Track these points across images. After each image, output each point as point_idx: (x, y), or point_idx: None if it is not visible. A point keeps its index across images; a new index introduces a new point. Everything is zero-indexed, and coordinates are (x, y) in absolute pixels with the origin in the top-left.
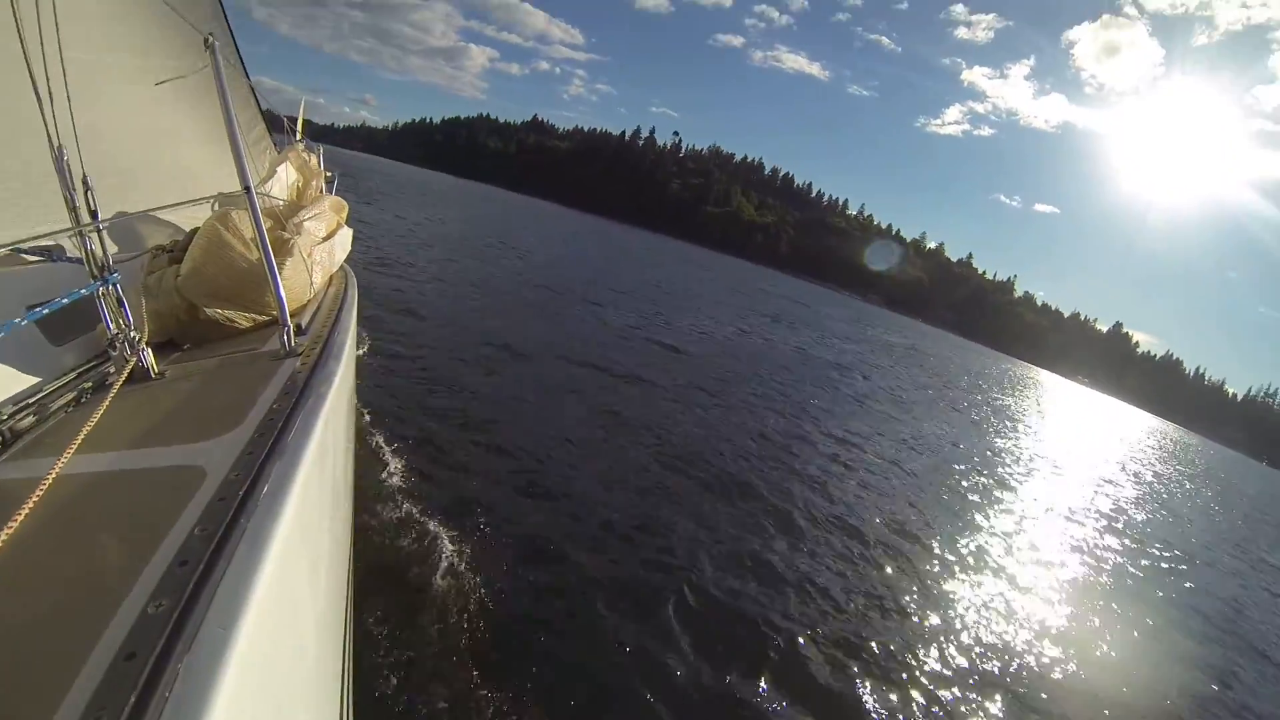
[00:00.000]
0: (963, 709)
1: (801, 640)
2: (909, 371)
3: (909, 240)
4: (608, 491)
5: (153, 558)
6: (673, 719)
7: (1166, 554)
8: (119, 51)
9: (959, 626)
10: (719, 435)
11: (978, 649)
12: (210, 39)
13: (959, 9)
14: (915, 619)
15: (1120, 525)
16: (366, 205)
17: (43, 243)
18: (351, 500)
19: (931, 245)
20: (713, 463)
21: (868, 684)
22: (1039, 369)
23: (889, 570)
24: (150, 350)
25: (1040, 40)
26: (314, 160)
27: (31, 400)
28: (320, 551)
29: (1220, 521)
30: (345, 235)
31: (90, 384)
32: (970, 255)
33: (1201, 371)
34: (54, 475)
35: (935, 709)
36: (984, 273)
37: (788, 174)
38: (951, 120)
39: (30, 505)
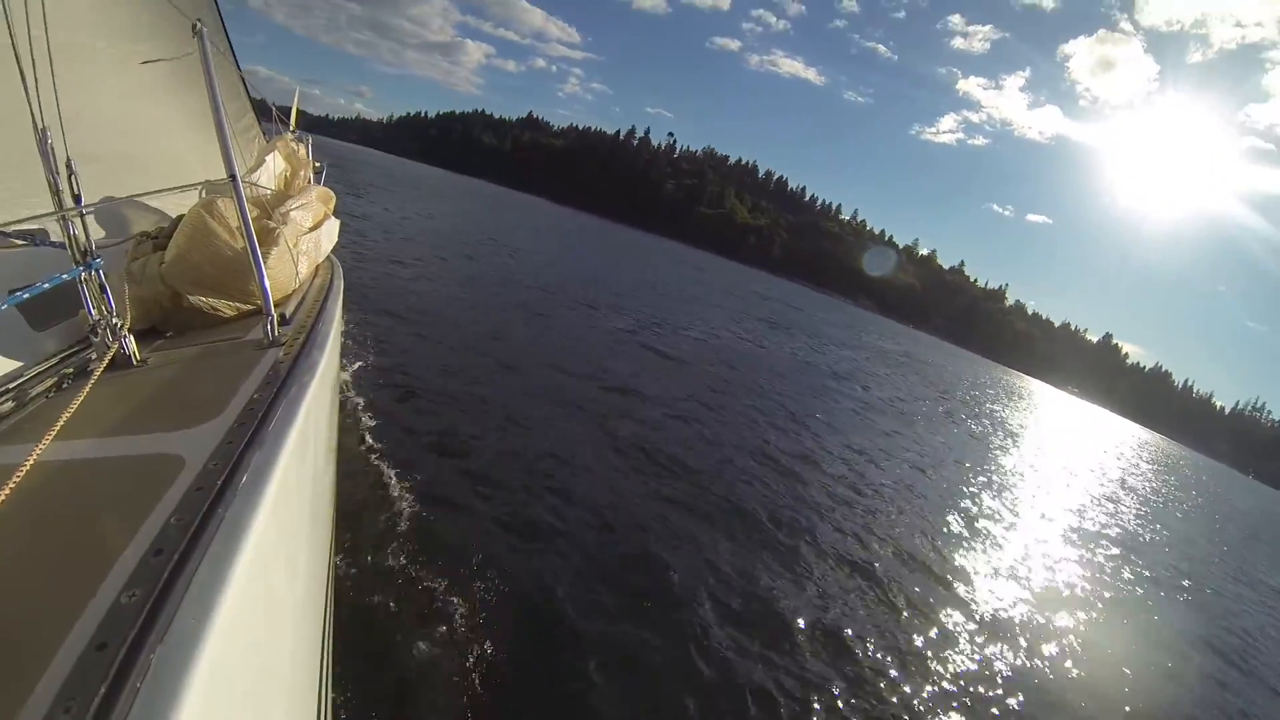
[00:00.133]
0: None
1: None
2: (906, 381)
3: (901, 246)
4: (601, 525)
5: (128, 547)
6: None
7: (1179, 579)
8: (109, 36)
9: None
10: (719, 456)
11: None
12: (198, 25)
13: (956, 20)
14: (935, 663)
15: (1132, 550)
16: (355, 198)
17: (26, 226)
18: (334, 492)
19: (924, 252)
20: (712, 489)
21: None
22: (1030, 378)
23: (905, 614)
24: (132, 337)
25: (1036, 53)
26: (302, 150)
27: (11, 385)
28: (299, 542)
29: (1231, 550)
30: (332, 226)
31: (71, 370)
32: (962, 263)
33: (1190, 384)
34: (31, 462)
35: None
36: (975, 281)
37: (781, 177)
38: (946, 129)
39: (6, 492)
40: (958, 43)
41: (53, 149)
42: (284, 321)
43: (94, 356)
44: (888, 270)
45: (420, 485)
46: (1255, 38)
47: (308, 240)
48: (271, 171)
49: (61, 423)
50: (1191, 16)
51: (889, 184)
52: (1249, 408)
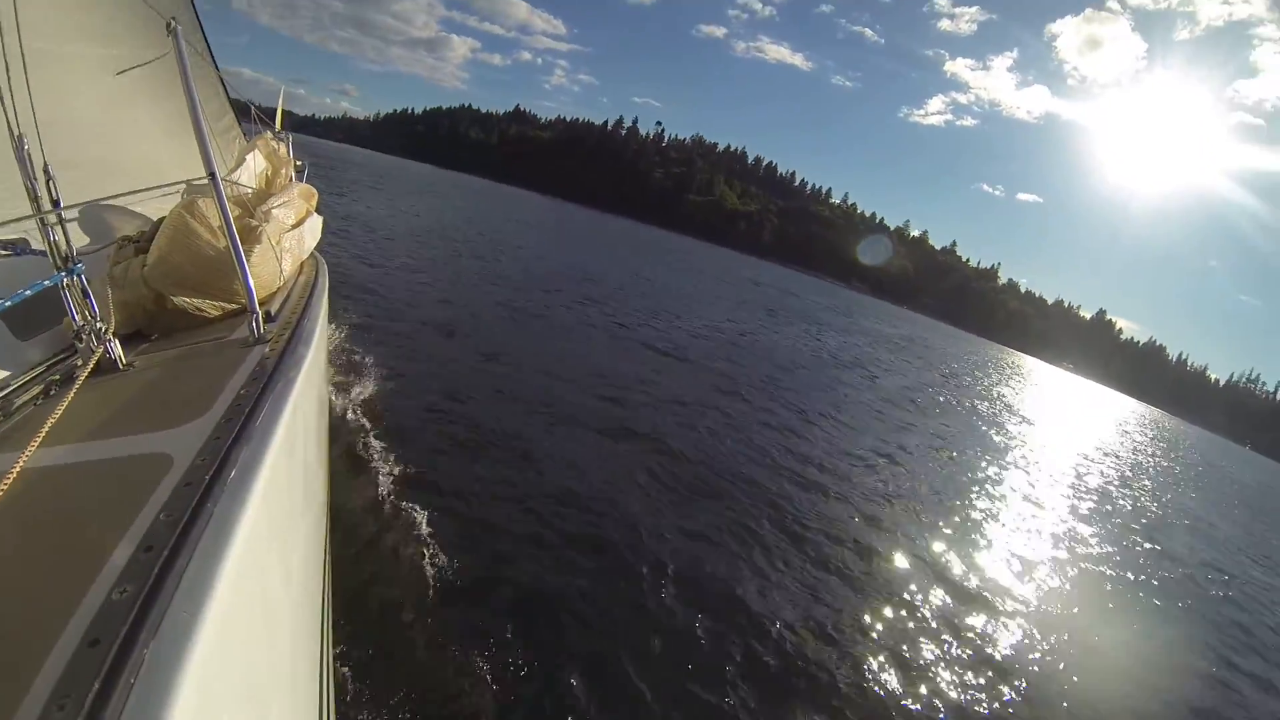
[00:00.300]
0: None
1: None
2: (912, 367)
3: (893, 228)
4: (610, 525)
5: (118, 545)
6: None
7: (1201, 564)
8: (86, 41)
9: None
10: (735, 464)
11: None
12: (173, 23)
13: (942, 1)
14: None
15: (1156, 532)
16: (339, 197)
17: (7, 236)
18: (326, 485)
19: (915, 233)
20: (735, 499)
21: None
22: (1026, 355)
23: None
24: (117, 341)
25: (1023, 33)
26: (283, 149)
27: None
28: (292, 537)
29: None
30: (315, 223)
31: (57, 377)
32: (954, 243)
33: (1184, 358)
34: (18, 469)
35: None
36: (968, 260)
37: (771, 163)
38: (934, 111)
39: None
40: (944, 24)
41: (29, 155)
42: (269, 319)
43: (79, 362)
44: (883, 259)
45: (420, 484)
46: (1243, 14)
47: (290, 237)
48: (252, 170)
49: (47, 428)
50: None
51: (879, 167)
52: (1244, 380)
